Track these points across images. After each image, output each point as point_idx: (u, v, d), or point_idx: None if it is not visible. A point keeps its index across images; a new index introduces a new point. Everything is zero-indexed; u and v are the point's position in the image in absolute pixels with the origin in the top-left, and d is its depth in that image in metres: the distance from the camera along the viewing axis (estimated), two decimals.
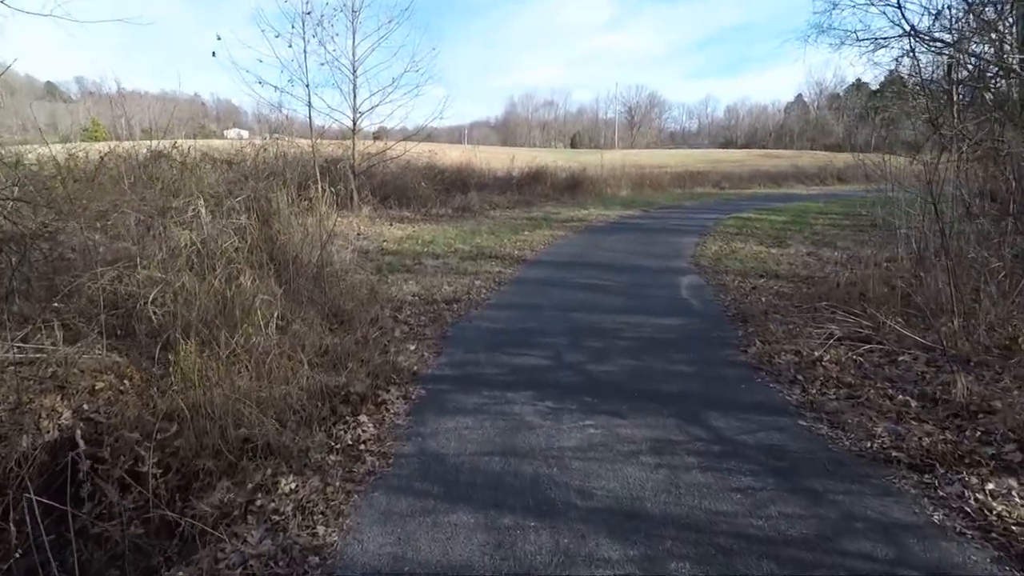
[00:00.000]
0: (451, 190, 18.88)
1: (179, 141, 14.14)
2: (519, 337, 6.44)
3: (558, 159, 32.21)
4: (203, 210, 7.24)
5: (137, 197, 8.90)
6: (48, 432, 4.87)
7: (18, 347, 5.52)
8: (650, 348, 5.99)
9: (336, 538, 3.10)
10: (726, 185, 32.24)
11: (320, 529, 3.15)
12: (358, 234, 12.39)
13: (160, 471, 3.66)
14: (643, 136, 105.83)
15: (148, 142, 10.13)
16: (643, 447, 3.94)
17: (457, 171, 20.76)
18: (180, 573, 2.90)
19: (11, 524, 4.51)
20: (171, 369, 5.17)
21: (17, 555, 3.63)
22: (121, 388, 5.30)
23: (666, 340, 6.26)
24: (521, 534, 3.06)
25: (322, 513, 3.30)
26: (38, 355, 5.42)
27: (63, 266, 6.76)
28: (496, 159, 25.14)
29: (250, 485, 3.65)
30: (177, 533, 3.47)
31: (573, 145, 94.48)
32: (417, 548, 2.98)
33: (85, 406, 5.11)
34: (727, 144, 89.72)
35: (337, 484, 3.54)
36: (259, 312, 5.15)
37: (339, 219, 11.12)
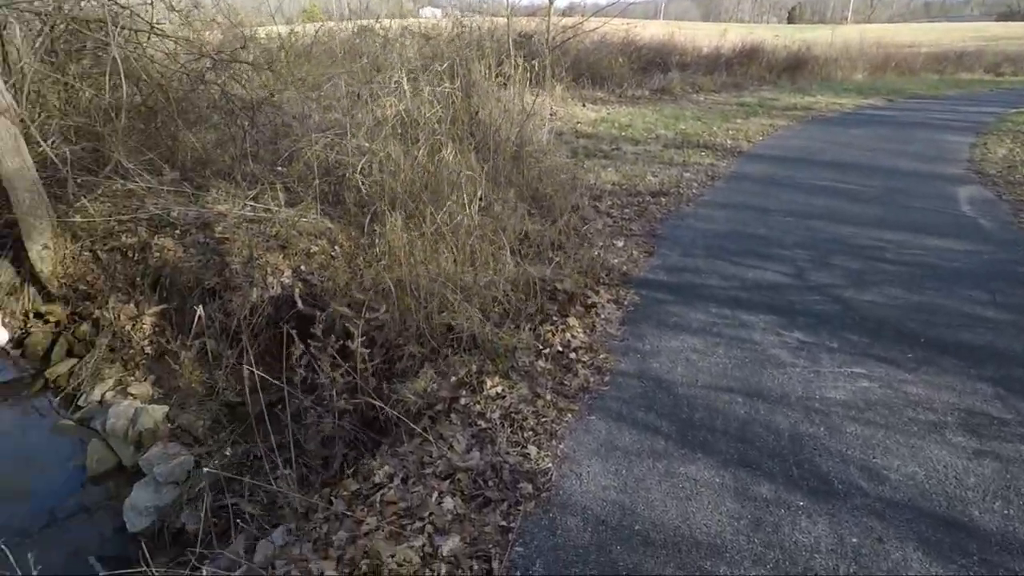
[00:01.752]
0: (649, 69, 16.85)
1: (381, 18, 14.05)
2: (746, 244, 5.37)
3: (776, 35, 27.35)
4: (404, 82, 6.91)
5: (345, 70, 8.95)
6: (272, 287, 5.16)
7: (250, 205, 5.84)
8: (930, 278, 4.59)
9: (550, 464, 2.68)
10: (1007, 70, 25.02)
11: (532, 449, 2.75)
12: (551, 114, 11.55)
13: (367, 350, 3.52)
14: (885, 7, 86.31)
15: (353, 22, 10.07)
16: (948, 419, 2.91)
17: (657, 48, 18.40)
18: (386, 466, 2.71)
19: (245, 366, 4.96)
20: (377, 240, 5.10)
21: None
22: (332, 254, 5.39)
23: (953, 270, 4.76)
24: (787, 515, 2.35)
25: (532, 430, 2.89)
26: (265, 214, 5.67)
27: (284, 132, 6.99)
28: (701, 35, 21.92)
29: (454, 379, 3.39)
30: (380, 418, 3.37)
31: (790, 20, 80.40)
32: (649, 502, 2.44)
33: (302, 267, 5.29)
34: (1008, 16, 69.40)
35: (548, 397, 3.10)
36: (464, 188, 4.73)
37: (533, 97, 10.38)
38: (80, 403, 4.86)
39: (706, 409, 3.04)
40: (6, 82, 5.12)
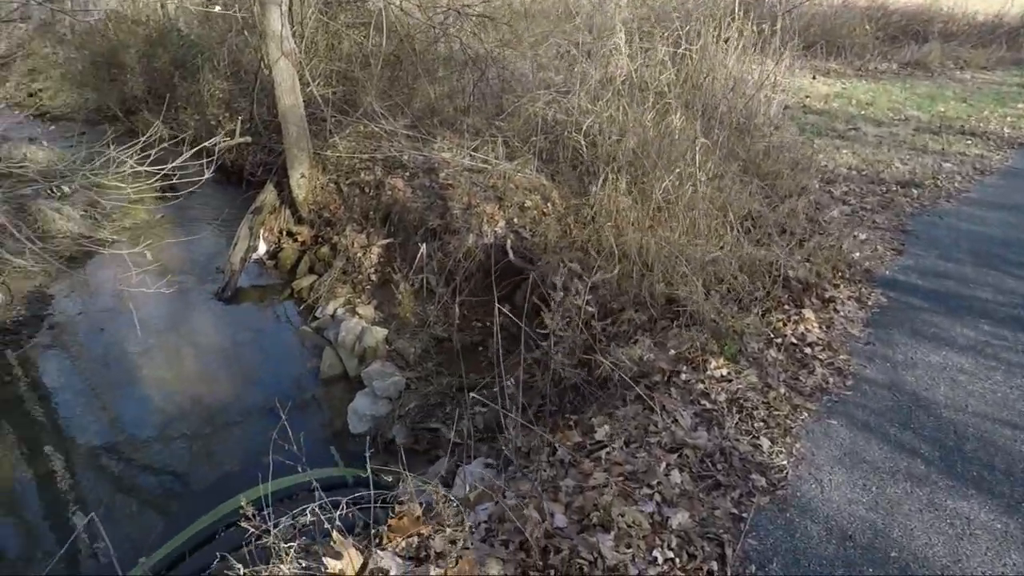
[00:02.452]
0: (900, 39, 14.48)
1: None
2: None
3: None
4: (622, 43, 6.69)
5: (560, 29, 8.92)
6: (486, 235, 5.42)
7: (471, 155, 6.15)
8: None
9: (784, 461, 2.47)
10: None
11: (764, 441, 2.55)
12: (774, 85, 10.51)
13: (592, 309, 3.52)
14: None
15: None
16: None
17: (913, 14, 15.71)
18: (606, 426, 2.71)
19: (456, 306, 5.32)
20: (590, 201, 5.08)
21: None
22: (544, 210, 5.49)
23: None
24: None
25: (763, 421, 2.69)
26: (484, 165, 5.94)
27: (507, 88, 7.20)
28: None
29: (672, 351, 3.27)
30: (596, 376, 3.38)
31: None
32: (908, 531, 2.13)
33: (515, 220, 5.47)
34: None
35: (781, 391, 2.85)
36: (696, 158, 4.47)
37: (757, 66, 9.49)
38: (317, 314, 5.60)
39: (980, 441, 2.57)
40: (292, 30, 5.87)
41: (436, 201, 5.65)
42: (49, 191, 7.06)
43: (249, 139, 7.09)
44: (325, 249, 6.20)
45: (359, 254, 5.78)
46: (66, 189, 7.17)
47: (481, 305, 5.29)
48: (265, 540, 2.05)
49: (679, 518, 2.14)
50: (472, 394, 3.92)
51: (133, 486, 4.03)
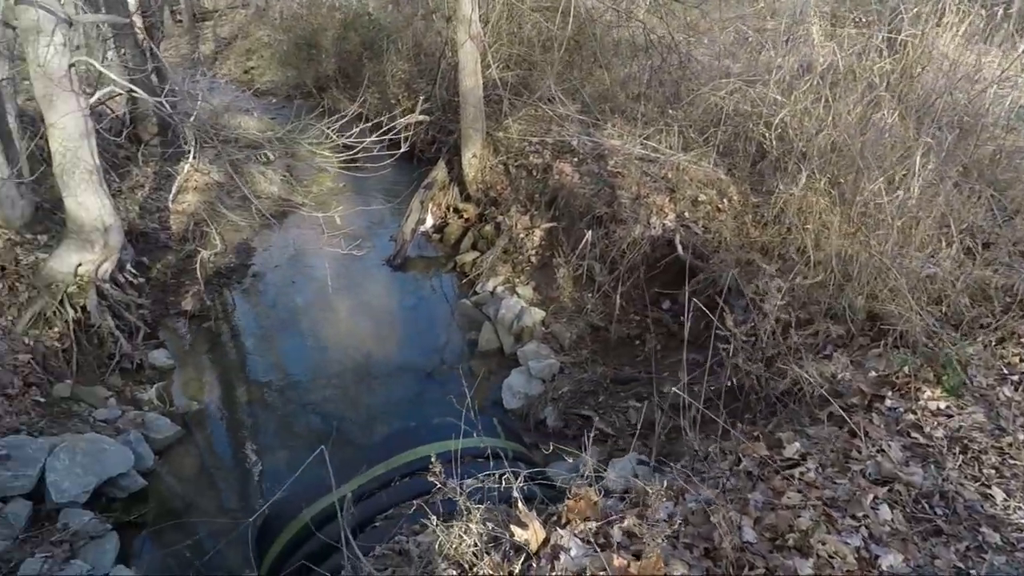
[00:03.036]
0: None
1: None
2: None
3: None
4: (815, 29, 6.09)
5: (741, 16, 8.32)
6: (654, 228, 5.26)
7: (642, 144, 5.98)
8: None
9: None
10: None
11: (997, 492, 2.19)
12: (1007, 78, 9.02)
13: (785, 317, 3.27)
14: None
15: None
16: None
17: None
18: (797, 443, 2.49)
19: (616, 296, 5.25)
20: (774, 199, 4.71)
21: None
22: (720, 206, 5.20)
23: None
24: None
25: (995, 468, 2.30)
26: (656, 155, 5.75)
27: (686, 75, 6.89)
28: None
29: (873, 373, 2.93)
30: (777, 387, 3.14)
31: None
32: None
33: (687, 214, 5.24)
34: None
35: (1020, 437, 2.43)
36: (913, 159, 3.95)
37: (982, 56, 8.17)
38: (477, 289, 5.81)
39: None
40: (480, 15, 6.08)
41: (604, 188, 5.59)
42: (258, 157, 8.03)
43: (427, 118, 7.50)
44: (489, 228, 6.41)
45: (522, 235, 5.90)
46: (271, 156, 8.12)
47: (642, 298, 5.17)
48: (450, 496, 2.14)
49: (891, 559, 1.91)
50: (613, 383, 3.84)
51: (304, 425, 4.48)
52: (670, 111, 6.45)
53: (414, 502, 2.72)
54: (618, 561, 1.89)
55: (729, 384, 3.26)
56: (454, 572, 1.90)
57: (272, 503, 2.64)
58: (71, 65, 4.05)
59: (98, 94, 4.42)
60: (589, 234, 5.14)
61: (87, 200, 4.37)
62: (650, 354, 4.81)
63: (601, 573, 1.86)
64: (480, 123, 6.41)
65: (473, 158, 6.50)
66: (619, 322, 4.96)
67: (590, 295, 5.19)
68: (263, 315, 5.67)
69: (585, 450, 2.34)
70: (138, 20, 6.73)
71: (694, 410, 2.77)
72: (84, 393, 4.22)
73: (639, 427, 4.01)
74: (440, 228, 7.02)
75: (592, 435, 4.23)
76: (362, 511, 2.76)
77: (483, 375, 4.86)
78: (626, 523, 2.12)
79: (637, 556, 1.93)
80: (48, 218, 4.84)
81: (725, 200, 5.12)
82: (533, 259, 5.76)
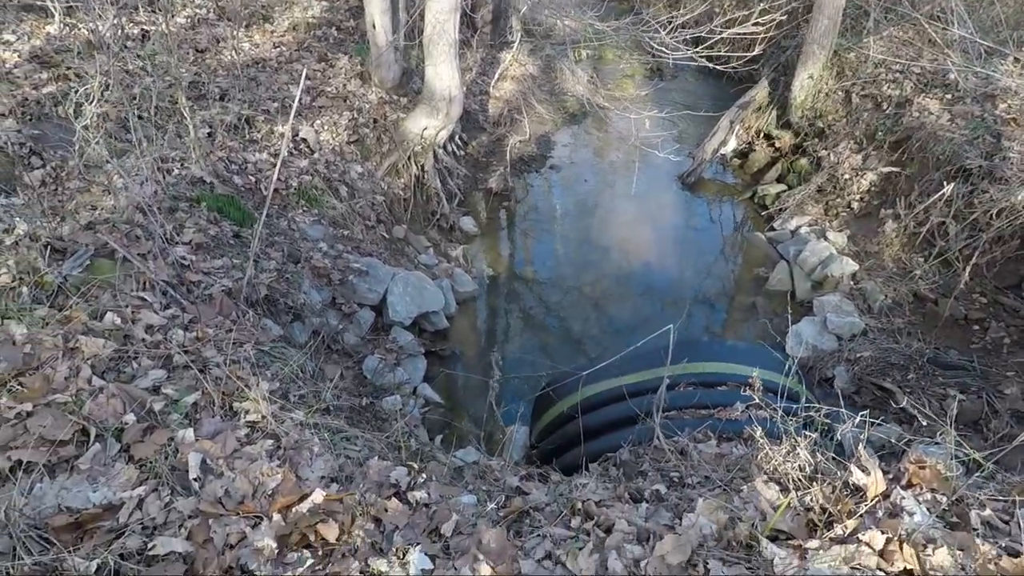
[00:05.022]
0: None
1: None
2: None
3: None
4: None
5: None
6: None
7: None
8: None
9: None
10: None
11: None
12: None
13: None
14: None
15: None
16: None
17: None
18: None
19: (966, 267, 4.30)
20: None
21: None
22: None
23: None
24: None
25: None
26: None
27: None
28: None
29: None
30: None
31: None
32: None
33: None
34: None
35: None
36: None
37: None
38: (775, 225, 5.30)
39: None
40: None
41: (984, 137, 4.46)
42: (569, 55, 8.20)
43: (760, 29, 6.75)
44: (804, 161, 5.70)
45: (847, 176, 5.12)
46: (584, 54, 8.22)
47: (998, 278, 4.15)
48: (772, 418, 2.02)
49: None
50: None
51: (577, 312, 4.68)
52: None
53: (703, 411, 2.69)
54: (985, 548, 1.60)
55: None
56: (776, 487, 1.81)
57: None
58: None
59: None
60: (950, 188, 4.21)
61: (443, 70, 4.92)
62: (992, 344, 3.91)
63: (958, 552, 1.59)
64: (831, 38, 5.54)
65: (808, 79, 5.71)
66: (958, 299, 4.09)
67: (923, 259, 4.35)
68: (554, 204, 5.99)
69: (949, 422, 2.00)
70: None
71: None
72: (412, 239, 4.99)
73: (957, 420, 3.38)
74: (744, 153, 6.47)
75: (890, 411, 3.70)
76: (638, 405, 2.79)
77: (767, 315, 4.50)
78: (986, 512, 1.78)
79: (1008, 552, 1.61)
80: (410, 82, 5.62)
81: None
82: (855, 205, 4.99)
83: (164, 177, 3.50)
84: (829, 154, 5.34)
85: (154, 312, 2.43)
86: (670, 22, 5.38)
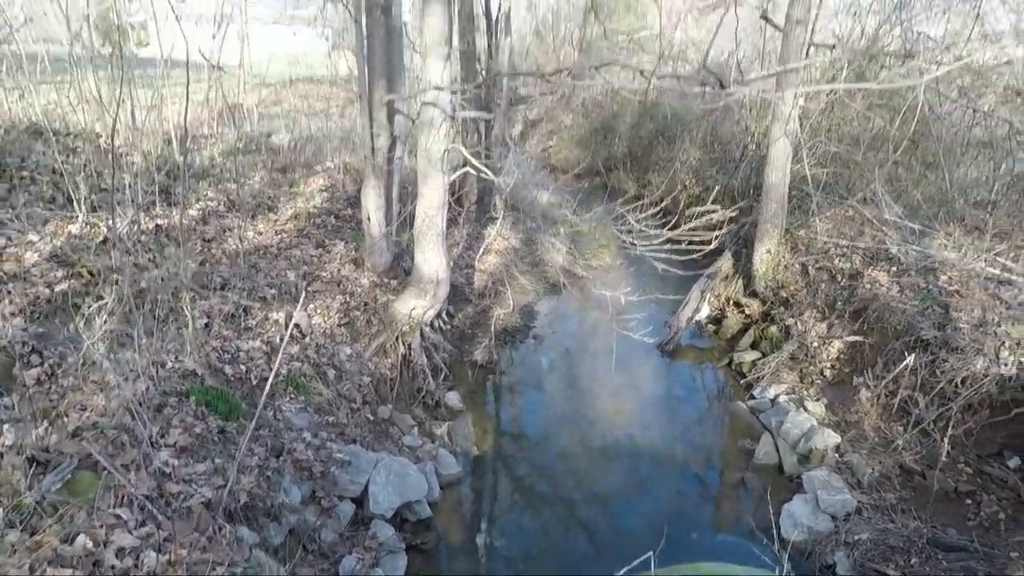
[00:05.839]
0: None
1: None
2: None
3: None
4: None
5: None
6: (1006, 365, 4.28)
7: (990, 260, 5.02)
8: None
9: None
10: None
11: None
12: None
13: None
14: None
15: None
16: None
17: None
18: None
19: (944, 438, 4.36)
20: None
21: None
22: None
23: None
24: None
25: None
26: (1014, 276, 4.77)
27: None
28: None
29: None
30: None
31: None
32: None
33: None
34: None
35: None
36: None
37: None
38: (755, 394, 5.41)
39: None
40: (800, 111, 5.89)
41: (932, 307, 4.79)
42: (549, 231, 8.89)
43: (718, 208, 7.45)
44: (774, 329, 5.98)
45: (816, 344, 5.36)
46: (562, 230, 8.92)
47: (979, 447, 4.20)
48: None
49: None
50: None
51: (565, 496, 4.58)
52: None
53: None
54: None
55: None
56: None
57: None
58: (446, 150, 5.05)
59: (457, 173, 5.41)
60: (911, 358, 4.42)
61: (431, 256, 5.31)
62: (988, 520, 3.85)
63: None
64: (780, 218, 6.12)
65: (767, 253, 6.20)
66: (943, 471, 4.10)
67: (902, 428, 4.43)
68: (538, 376, 6.11)
69: None
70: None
71: None
72: (397, 418, 5.01)
73: None
74: (716, 320, 6.80)
75: None
76: None
77: (756, 492, 4.44)
78: None
79: None
80: (400, 264, 6.01)
81: None
82: (827, 373, 5.17)
83: (158, 371, 3.60)
84: (796, 322, 5.64)
85: (128, 532, 2.39)
86: (639, 208, 5.99)
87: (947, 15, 5.69)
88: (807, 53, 5.73)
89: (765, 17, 6.57)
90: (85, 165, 4.94)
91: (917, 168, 5.94)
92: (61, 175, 4.77)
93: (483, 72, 7.70)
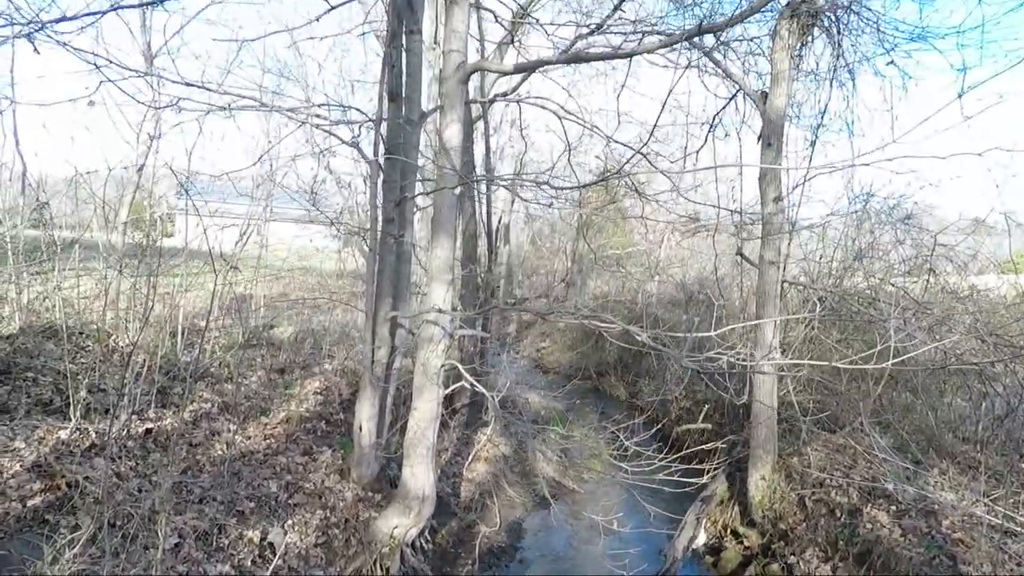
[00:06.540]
0: None
1: None
2: None
3: None
4: None
5: None
6: None
7: (989, 506, 4.95)
8: None
9: None
10: None
11: None
12: None
13: None
14: None
15: None
16: None
17: None
18: None
19: None
20: None
21: None
22: None
23: None
24: None
25: None
26: (1018, 528, 4.65)
27: None
28: None
29: None
30: None
31: None
32: None
33: None
34: None
35: None
36: None
37: None
38: None
39: None
40: (780, 340, 6.25)
41: (940, 558, 4.59)
42: (540, 437, 8.80)
43: (709, 426, 7.49)
44: (777, 567, 5.63)
45: None
46: (553, 436, 8.83)
47: None
48: None
49: None
50: None
51: None
52: None
53: None
54: None
55: None
56: None
57: None
58: (442, 366, 5.24)
59: (452, 387, 5.53)
60: None
61: (419, 471, 5.19)
62: None
63: None
64: (772, 445, 6.13)
65: (761, 480, 6.09)
66: None
67: None
68: None
69: None
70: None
71: None
72: None
73: None
74: (715, 549, 6.42)
75: None
76: None
77: None
78: None
79: None
80: (385, 477, 5.83)
81: None
82: None
83: None
84: (799, 561, 5.33)
85: None
86: (629, 429, 6.02)
87: (905, 265, 6.32)
88: (780, 290, 6.27)
89: (741, 254, 7.31)
90: (92, 369, 5.05)
91: (902, 398, 6.12)
92: (64, 376, 4.86)
93: (482, 294, 8.28)
